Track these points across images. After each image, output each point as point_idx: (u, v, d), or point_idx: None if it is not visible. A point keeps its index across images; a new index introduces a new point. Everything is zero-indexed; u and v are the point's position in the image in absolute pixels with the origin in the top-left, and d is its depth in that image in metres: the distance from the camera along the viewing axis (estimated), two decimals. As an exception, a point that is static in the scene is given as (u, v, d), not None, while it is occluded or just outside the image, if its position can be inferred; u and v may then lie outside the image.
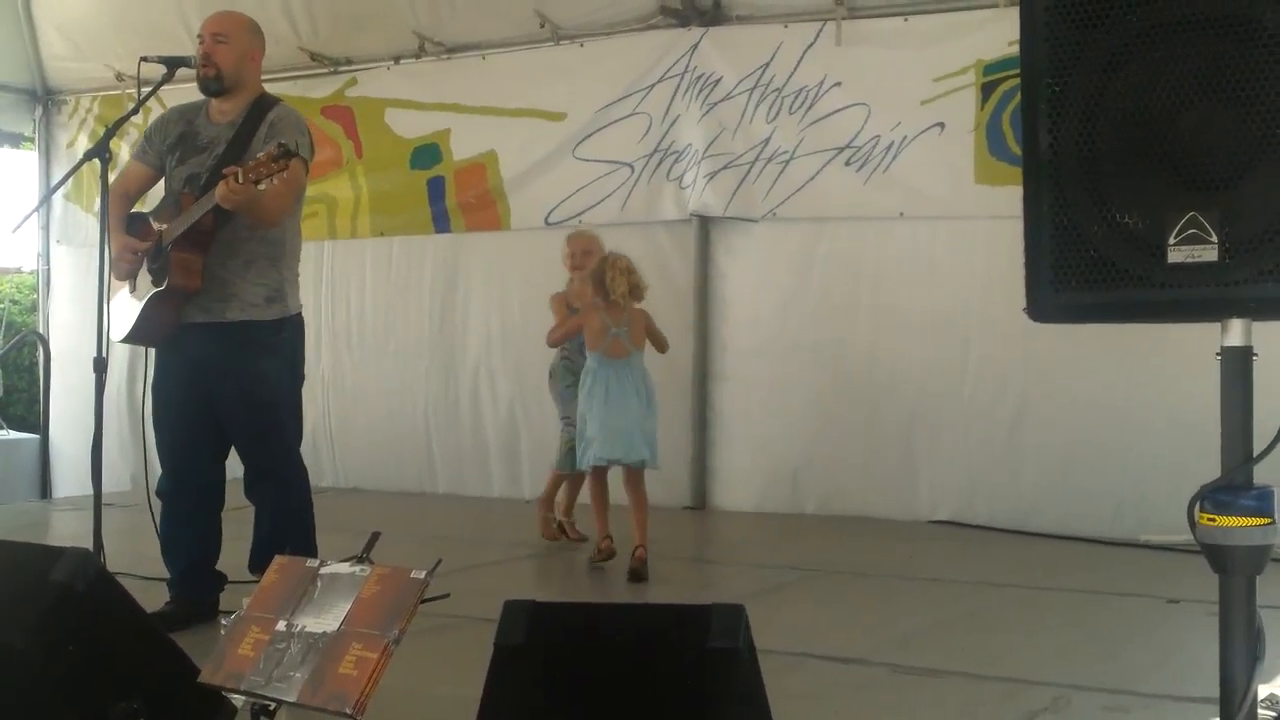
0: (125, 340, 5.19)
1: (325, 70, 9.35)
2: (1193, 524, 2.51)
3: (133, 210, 5.20)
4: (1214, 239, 2.41)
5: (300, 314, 5.21)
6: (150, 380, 5.19)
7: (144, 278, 4.98)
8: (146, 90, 5.18)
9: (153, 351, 5.26)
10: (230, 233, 4.92)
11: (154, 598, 4.90)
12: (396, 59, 9.15)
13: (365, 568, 2.94)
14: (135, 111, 5.44)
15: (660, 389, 6.40)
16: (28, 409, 11.69)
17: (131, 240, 4.99)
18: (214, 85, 5.02)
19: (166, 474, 5.15)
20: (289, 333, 5.14)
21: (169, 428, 5.15)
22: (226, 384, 5.02)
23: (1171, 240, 2.44)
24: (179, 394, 5.08)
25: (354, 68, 9.29)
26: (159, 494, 5.16)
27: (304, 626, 2.86)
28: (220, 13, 5.21)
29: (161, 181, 5.23)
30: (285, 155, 4.54)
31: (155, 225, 4.99)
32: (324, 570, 2.98)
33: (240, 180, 4.53)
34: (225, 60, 5.01)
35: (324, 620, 2.85)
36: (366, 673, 2.69)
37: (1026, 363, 7.16)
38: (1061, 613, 5.31)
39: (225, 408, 5.05)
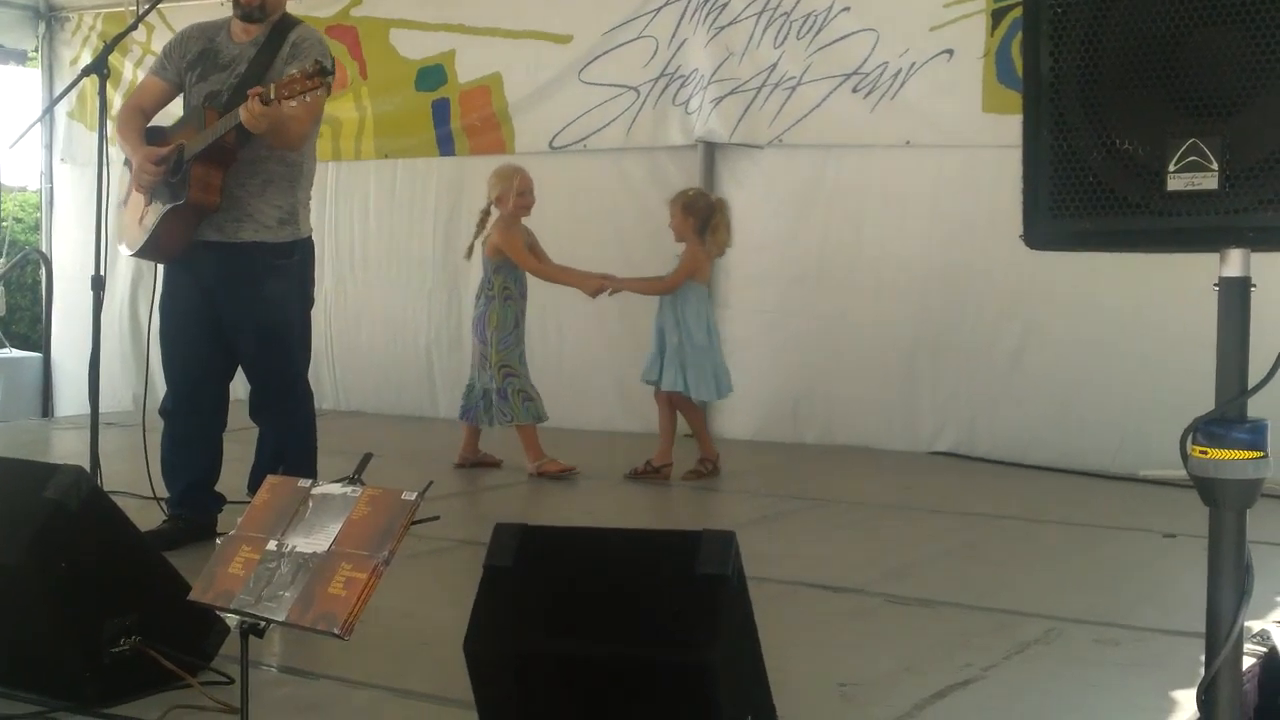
0: (137, 254, 5.17)
1: (329, -12, 9.25)
2: (1185, 456, 2.48)
3: (150, 125, 5.15)
4: (1214, 166, 2.35)
5: (311, 238, 5.19)
6: (157, 299, 5.16)
7: (160, 190, 4.94)
8: (146, 6, 5.14)
9: (161, 270, 5.22)
10: (250, 152, 4.89)
11: (151, 517, 4.92)
12: (401, -23, 9.05)
13: (356, 489, 2.93)
14: (134, 27, 5.40)
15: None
16: (30, 327, 11.72)
17: (153, 150, 4.94)
18: (257, 14, 5.00)
19: (171, 393, 5.15)
20: (300, 255, 5.12)
21: (176, 346, 5.13)
22: (237, 305, 5.01)
23: (1171, 167, 2.39)
24: (188, 313, 5.06)
25: (358, -14, 9.20)
26: (162, 413, 5.15)
27: (294, 546, 2.86)
28: None
29: (175, 100, 5.20)
30: (321, 74, 4.50)
31: (176, 139, 4.94)
32: (315, 491, 2.97)
33: (272, 97, 4.48)
34: None
35: (314, 540, 2.84)
36: (356, 593, 2.69)
37: (1031, 294, 7.10)
38: (1058, 546, 5.32)
39: (234, 329, 5.03)
